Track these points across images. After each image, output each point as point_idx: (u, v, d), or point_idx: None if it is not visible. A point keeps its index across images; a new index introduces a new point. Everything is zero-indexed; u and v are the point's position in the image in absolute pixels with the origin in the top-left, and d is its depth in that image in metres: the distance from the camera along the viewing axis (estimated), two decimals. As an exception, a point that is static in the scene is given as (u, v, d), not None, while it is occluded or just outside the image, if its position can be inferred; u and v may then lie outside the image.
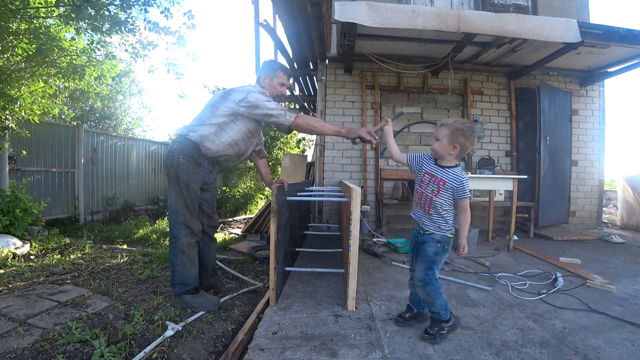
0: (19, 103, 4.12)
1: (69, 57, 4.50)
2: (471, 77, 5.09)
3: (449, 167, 1.67)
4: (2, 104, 3.97)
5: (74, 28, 4.32)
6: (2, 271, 2.85)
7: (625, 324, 1.87)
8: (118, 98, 10.77)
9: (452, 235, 1.69)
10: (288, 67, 2.34)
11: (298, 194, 2.79)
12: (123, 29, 4.12)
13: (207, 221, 2.32)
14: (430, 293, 1.64)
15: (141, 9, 4.26)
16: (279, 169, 9.73)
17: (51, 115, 5.30)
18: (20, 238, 3.72)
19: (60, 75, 4.60)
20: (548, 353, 1.56)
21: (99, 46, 4.59)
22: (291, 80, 6.61)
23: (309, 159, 7.51)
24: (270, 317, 1.89)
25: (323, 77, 4.93)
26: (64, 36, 4.47)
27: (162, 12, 4.42)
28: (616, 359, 1.53)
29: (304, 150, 11.98)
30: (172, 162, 2.10)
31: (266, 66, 2.32)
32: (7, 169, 4.58)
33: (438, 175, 1.67)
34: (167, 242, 4.27)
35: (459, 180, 1.63)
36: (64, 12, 4.07)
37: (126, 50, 4.70)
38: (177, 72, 5.03)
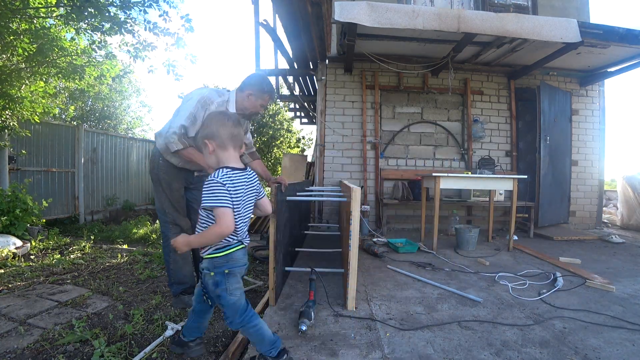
0: (22, 103, 4.12)
1: (69, 57, 4.50)
2: (471, 77, 5.09)
3: None
4: (2, 103, 3.97)
5: (74, 28, 4.32)
6: (2, 271, 2.85)
7: (625, 324, 1.86)
8: (118, 98, 10.78)
9: None
10: (274, 91, 2.14)
11: (298, 193, 2.79)
12: (123, 30, 4.12)
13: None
14: None
15: (140, 10, 4.26)
16: (279, 168, 9.73)
17: (51, 115, 5.30)
18: (21, 238, 3.71)
19: (60, 75, 4.60)
20: (548, 353, 1.56)
21: (99, 45, 4.59)
22: (291, 79, 6.63)
23: (309, 159, 7.51)
24: (270, 317, 1.89)
25: (323, 77, 4.93)
26: (64, 36, 4.48)
27: (160, 15, 4.42)
28: (616, 359, 1.53)
29: (303, 150, 11.99)
30: (153, 164, 2.13)
31: (256, 83, 2.06)
32: (8, 169, 4.58)
33: None
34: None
35: None
36: (63, 12, 4.07)
37: (128, 51, 4.71)
38: (177, 74, 5.04)
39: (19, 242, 3.56)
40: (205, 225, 1.33)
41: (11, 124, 4.15)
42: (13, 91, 4.03)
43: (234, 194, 1.29)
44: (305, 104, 7.43)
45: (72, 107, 9.37)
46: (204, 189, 1.28)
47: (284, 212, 2.27)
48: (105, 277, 2.74)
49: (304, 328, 1.66)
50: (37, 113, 4.40)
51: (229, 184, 1.28)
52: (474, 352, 1.56)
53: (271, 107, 10.82)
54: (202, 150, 1.40)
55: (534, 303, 2.17)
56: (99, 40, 4.48)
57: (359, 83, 4.97)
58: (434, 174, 3.48)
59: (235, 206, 1.29)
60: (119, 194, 6.80)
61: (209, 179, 1.29)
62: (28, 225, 4.01)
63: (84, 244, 3.88)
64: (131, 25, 4.21)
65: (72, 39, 4.58)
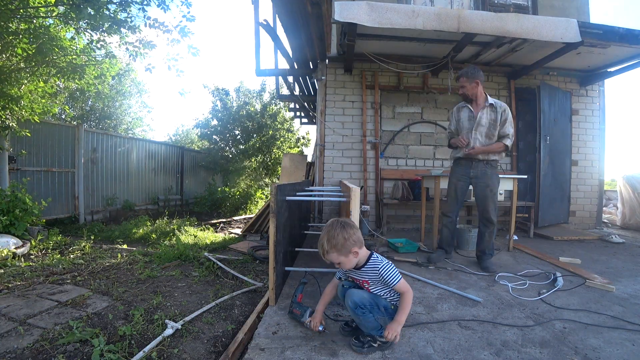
0: (21, 103, 4.12)
1: (69, 57, 4.49)
2: (471, 77, 5.08)
3: (363, 268, 1.60)
4: (2, 103, 3.96)
5: (74, 28, 4.31)
6: (2, 271, 2.85)
7: (625, 324, 1.86)
8: (118, 98, 10.77)
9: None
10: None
11: (298, 193, 2.79)
12: (122, 29, 4.10)
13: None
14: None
15: (140, 8, 4.24)
16: (279, 168, 9.73)
17: (51, 114, 5.30)
18: (20, 238, 3.71)
19: (60, 75, 4.59)
20: (548, 353, 1.56)
21: (98, 45, 4.56)
22: (291, 79, 6.63)
23: (309, 159, 7.52)
24: (270, 317, 1.89)
25: (323, 77, 4.93)
26: (64, 36, 4.47)
27: (159, 5, 4.37)
28: (616, 359, 1.53)
29: (302, 150, 11.98)
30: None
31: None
32: (7, 169, 4.58)
33: (358, 277, 1.65)
34: (166, 242, 4.27)
35: (378, 272, 1.54)
36: (63, 11, 4.06)
37: (127, 49, 4.68)
38: (178, 69, 4.98)
39: (19, 242, 3.56)
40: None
41: (11, 124, 4.15)
42: (13, 91, 4.03)
43: None
44: (305, 104, 7.43)
45: (67, 108, 9.35)
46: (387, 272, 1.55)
47: (284, 212, 2.27)
48: (105, 277, 2.74)
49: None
50: (37, 113, 4.40)
51: None
52: (474, 352, 1.56)
53: (271, 108, 10.85)
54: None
55: (534, 303, 2.17)
56: (98, 39, 4.44)
57: (359, 83, 4.97)
58: (433, 174, 3.48)
59: None
60: (118, 194, 6.80)
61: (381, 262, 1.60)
62: (28, 225, 4.01)
63: (84, 243, 3.87)
64: (131, 23, 4.19)
65: (72, 38, 4.56)
